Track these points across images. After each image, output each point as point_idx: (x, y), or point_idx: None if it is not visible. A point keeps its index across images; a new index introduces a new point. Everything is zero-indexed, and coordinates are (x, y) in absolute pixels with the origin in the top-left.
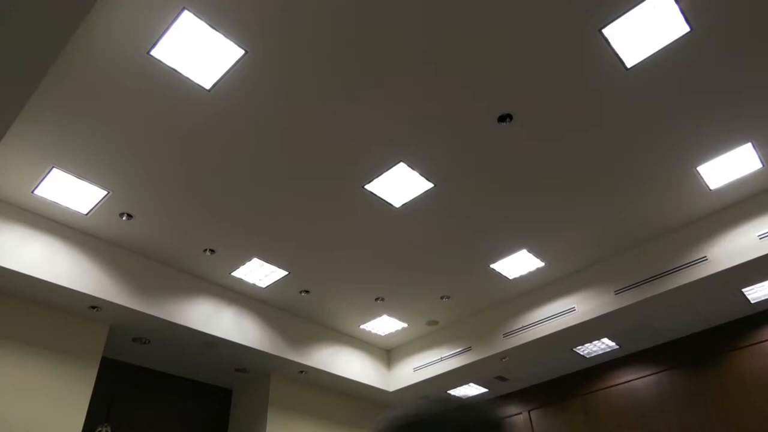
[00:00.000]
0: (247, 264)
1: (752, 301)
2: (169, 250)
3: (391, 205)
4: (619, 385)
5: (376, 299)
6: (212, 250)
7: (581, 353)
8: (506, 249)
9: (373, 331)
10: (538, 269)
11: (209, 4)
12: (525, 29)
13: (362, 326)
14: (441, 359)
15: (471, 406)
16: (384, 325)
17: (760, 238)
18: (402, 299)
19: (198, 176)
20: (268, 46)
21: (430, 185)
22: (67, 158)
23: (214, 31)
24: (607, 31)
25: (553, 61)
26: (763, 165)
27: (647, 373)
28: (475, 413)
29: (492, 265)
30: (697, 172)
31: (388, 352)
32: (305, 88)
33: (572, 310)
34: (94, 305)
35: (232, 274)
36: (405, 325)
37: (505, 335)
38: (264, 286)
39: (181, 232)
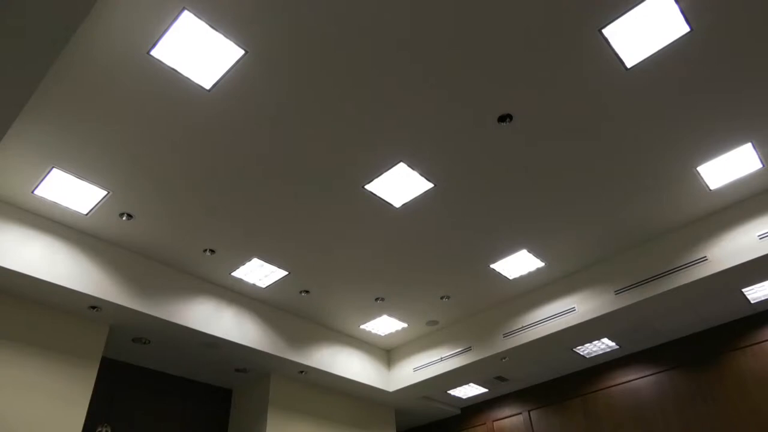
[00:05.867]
0: (247, 264)
1: (752, 301)
2: (169, 250)
3: (391, 205)
4: (619, 385)
5: (376, 299)
6: (212, 250)
7: (581, 353)
8: (506, 249)
9: (373, 331)
10: (538, 269)
11: (209, 4)
12: (525, 29)
13: (362, 326)
14: (441, 359)
15: None
16: (384, 325)
17: (760, 238)
18: (402, 299)
19: (198, 176)
20: (268, 46)
21: (430, 185)
22: (67, 158)
23: (214, 31)
24: (607, 31)
25: (553, 61)
26: (763, 165)
27: (647, 373)
28: None
29: (492, 265)
30: (697, 172)
31: (388, 352)
32: (305, 87)
33: (572, 310)
34: (94, 305)
35: (232, 274)
36: (405, 325)
37: (505, 335)
38: (264, 286)
39: (181, 232)
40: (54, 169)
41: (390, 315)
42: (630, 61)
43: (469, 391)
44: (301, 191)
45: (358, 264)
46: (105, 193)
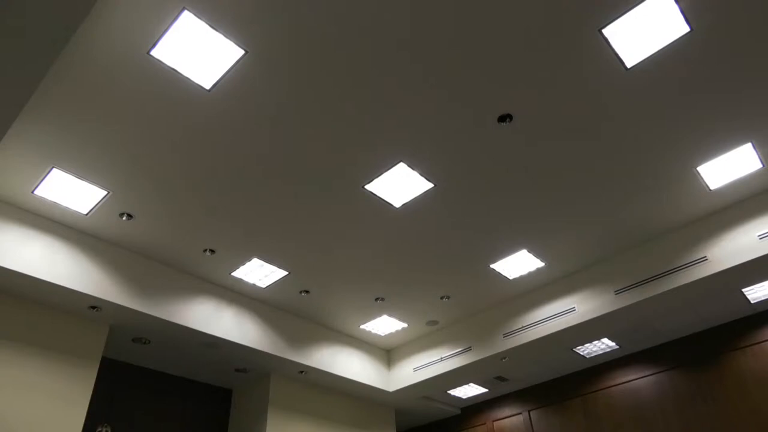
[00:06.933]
0: (247, 264)
1: (752, 301)
2: (169, 250)
3: (391, 205)
4: (619, 385)
5: (376, 299)
6: (212, 250)
7: (581, 353)
8: (506, 249)
9: (373, 331)
10: (538, 269)
11: (209, 4)
12: (525, 29)
13: (362, 326)
14: (441, 359)
15: None
16: (384, 325)
17: (760, 238)
18: (402, 299)
19: (198, 176)
20: (268, 46)
21: (430, 185)
22: (67, 158)
23: (214, 31)
24: (607, 31)
25: (553, 61)
26: (763, 165)
27: (647, 373)
28: None
29: (492, 265)
30: (697, 172)
31: (388, 352)
32: (305, 87)
33: (572, 310)
34: (94, 305)
35: (232, 274)
36: (405, 325)
37: (505, 335)
38: (264, 286)
39: (181, 232)
40: (54, 169)
41: (390, 315)
42: (630, 61)
43: (469, 391)
44: (301, 191)
45: (358, 264)
46: (105, 193)
